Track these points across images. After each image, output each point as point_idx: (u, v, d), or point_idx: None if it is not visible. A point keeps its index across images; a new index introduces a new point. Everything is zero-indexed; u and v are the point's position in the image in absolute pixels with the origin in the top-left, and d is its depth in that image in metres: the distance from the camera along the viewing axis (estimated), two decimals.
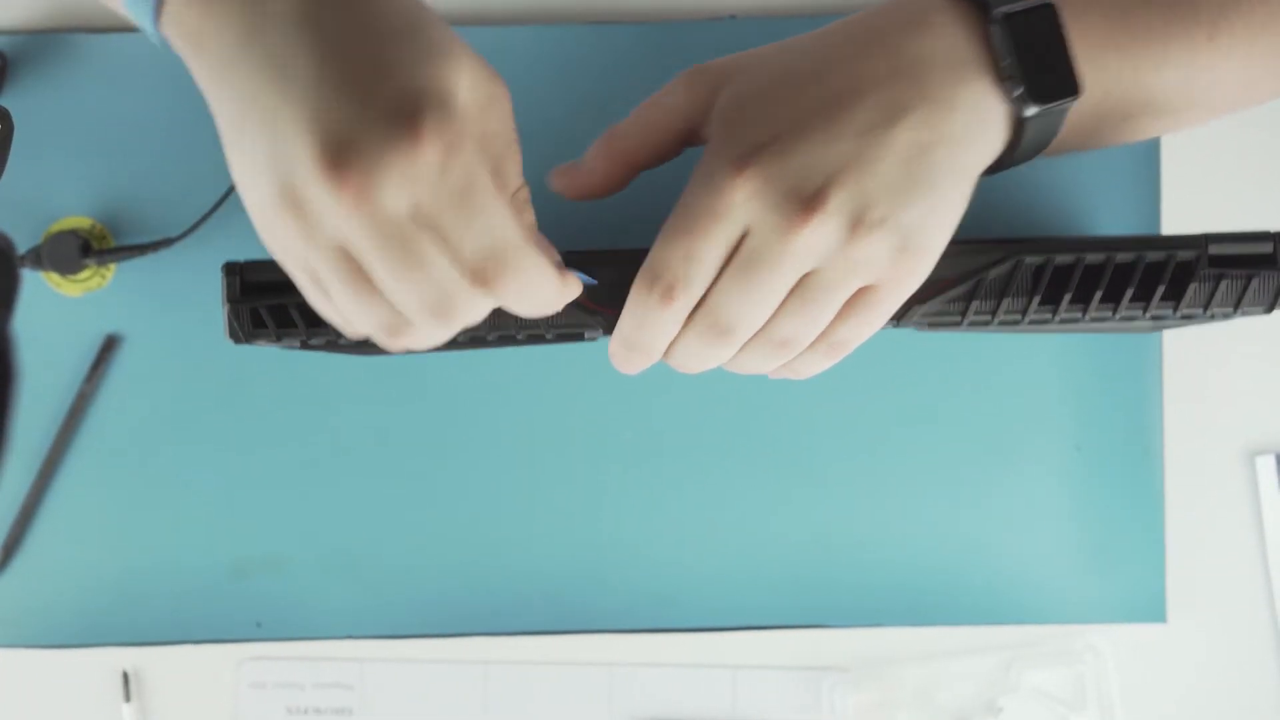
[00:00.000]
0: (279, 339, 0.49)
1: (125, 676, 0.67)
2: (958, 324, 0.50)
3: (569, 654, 0.68)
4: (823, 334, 0.47)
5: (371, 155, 0.38)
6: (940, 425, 0.67)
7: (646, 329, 0.46)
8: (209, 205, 0.66)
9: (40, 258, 0.65)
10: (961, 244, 0.50)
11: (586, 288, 0.48)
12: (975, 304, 0.49)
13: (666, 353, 0.48)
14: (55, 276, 0.66)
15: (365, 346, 0.51)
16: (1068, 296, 0.49)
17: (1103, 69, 0.45)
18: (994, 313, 0.50)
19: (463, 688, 0.68)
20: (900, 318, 0.50)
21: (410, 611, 0.67)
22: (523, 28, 0.67)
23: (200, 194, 0.66)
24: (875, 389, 0.67)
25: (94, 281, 0.67)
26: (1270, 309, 0.49)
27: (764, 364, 0.48)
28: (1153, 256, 0.48)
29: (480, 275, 0.41)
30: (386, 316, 0.43)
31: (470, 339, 0.49)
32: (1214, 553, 0.67)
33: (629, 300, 0.46)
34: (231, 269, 0.49)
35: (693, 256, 0.44)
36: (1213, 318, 0.50)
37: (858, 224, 0.43)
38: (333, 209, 0.39)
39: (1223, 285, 0.48)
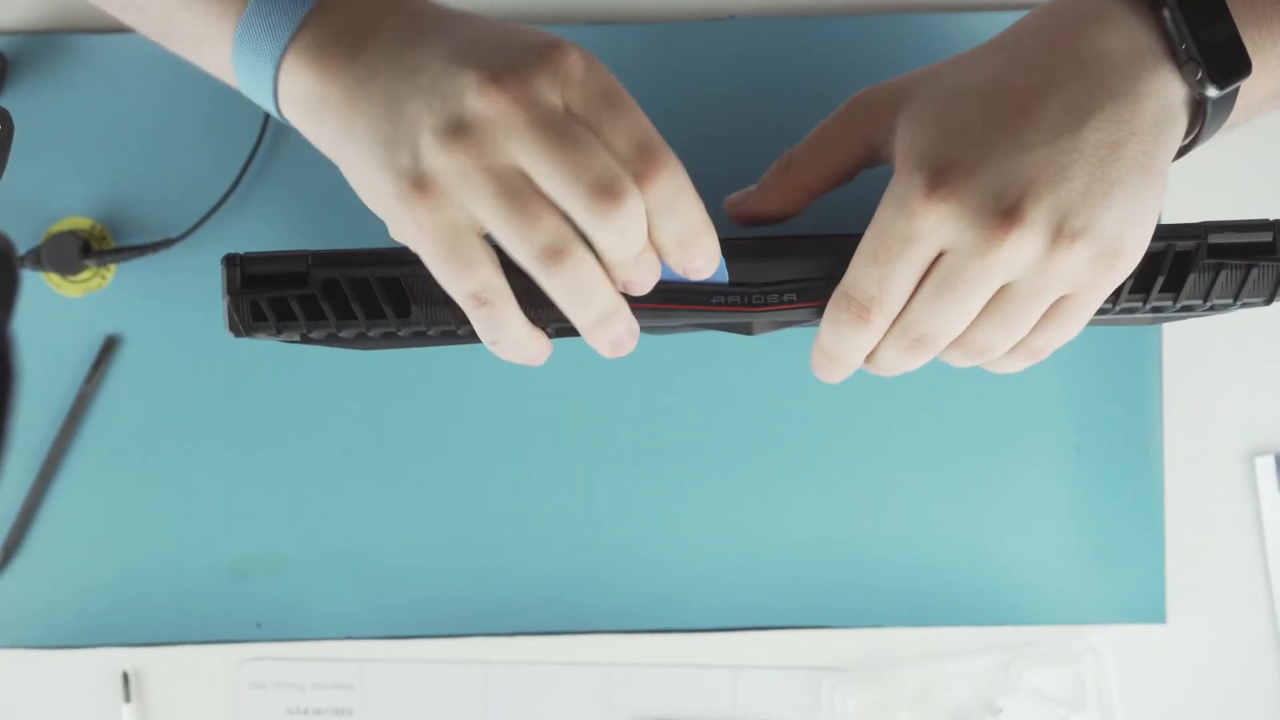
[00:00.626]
0: (279, 332, 0.49)
1: (125, 677, 0.67)
2: None
3: (569, 654, 0.68)
4: (1021, 341, 0.48)
5: (524, 69, 0.42)
6: (940, 425, 0.67)
7: (844, 344, 0.47)
8: (209, 205, 0.66)
9: (40, 258, 0.65)
10: None
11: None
12: None
13: (867, 362, 0.49)
14: (55, 277, 0.66)
15: (366, 341, 0.51)
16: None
17: (1263, 44, 0.46)
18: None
19: (463, 688, 0.68)
20: None
21: (410, 612, 0.67)
22: None
23: (200, 194, 0.66)
24: (875, 389, 0.67)
25: (94, 282, 0.67)
26: (1270, 300, 0.49)
27: (962, 363, 0.49)
28: (1152, 247, 0.48)
29: (637, 165, 0.42)
30: (552, 233, 0.43)
31: (469, 332, 0.49)
32: (1214, 553, 0.67)
33: (826, 316, 0.47)
34: (231, 261, 0.49)
35: (888, 279, 0.45)
36: (1212, 309, 0.50)
37: (1058, 235, 0.43)
38: (498, 118, 0.42)
39: (1222, 275, 0.48)
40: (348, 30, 0.45)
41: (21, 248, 0.66)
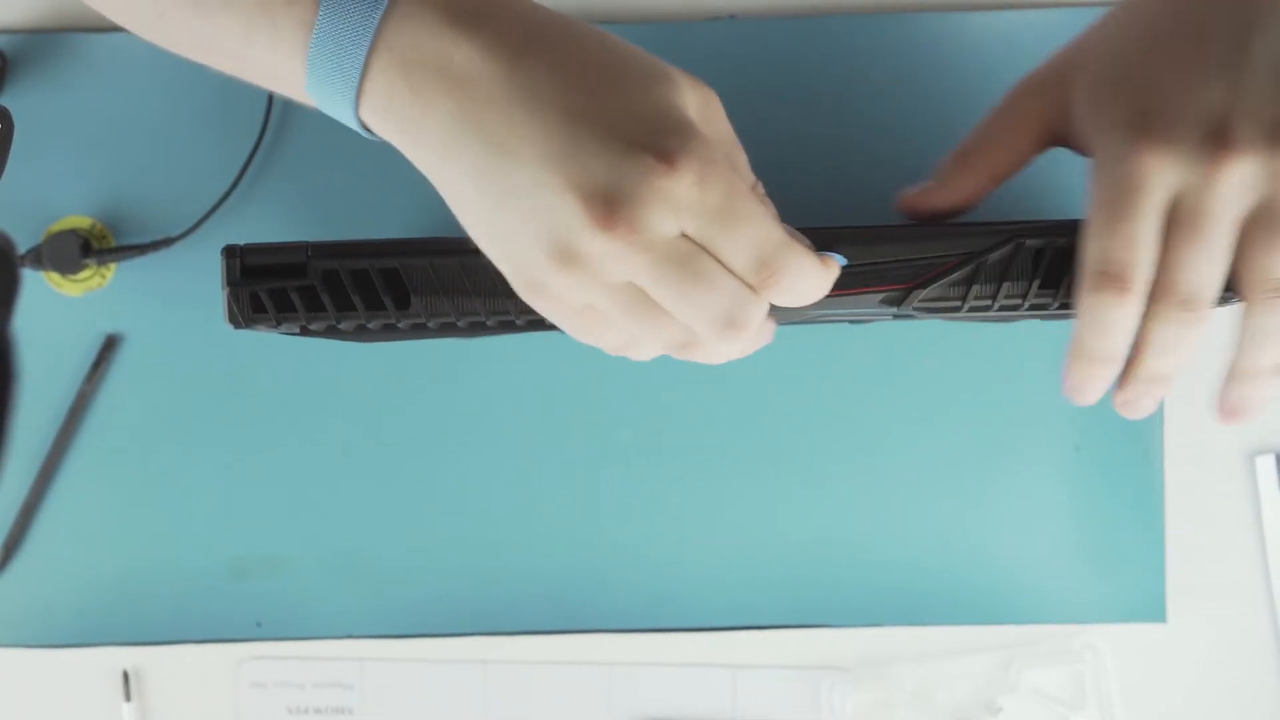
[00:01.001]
0: (278, 323, 0.49)
1: (125, 676, 0.67)
2: (958, 309, 0.50)
3: (569, 654, 0.68)
4: None
5: (635, 195, 0.40)
6: (940, 425, 0.67)
7: (1108, 331, 0.47)
8: (209, 205, 0.66)
9: (40, 257, 0.65)
10: (961, 227, 0.50)
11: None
12: (976, 288, 0.49)
13: (1138, 356, 0.48)
14: (55, 276, 0.66)
15: (365, 333, 0.51)
16: (1068, 280, 0.49)
17: None
18: (994, 297, 0.50)
19: (463, 687, 0.68)
20: (900, 302, 0.49)
21: (410, 611, 0.67)
22: None
23: (200, 194, 0.66)
24: (875, 389, 0.67)
25: (94, 281, 0.67)
26: None
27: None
28: None
29: (758, 279, 0.42)
30: (677, 335, 0.44)
31: (470, 324, 0.49)
32: (1214, 553, 0.67)
33: (1082, 310, 0.47)
34: (231, 252, 0.49)
35: (1134, 238, 0.45)
36: (1219, 301, 0.50)
37: (1273, 141, 0.44)
38: (610, 254, 0.40)
39: None
40: (417, 68, 0.41)
41: (22, 246, 0.66)
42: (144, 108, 0.67)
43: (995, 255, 0.49)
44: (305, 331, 0.50)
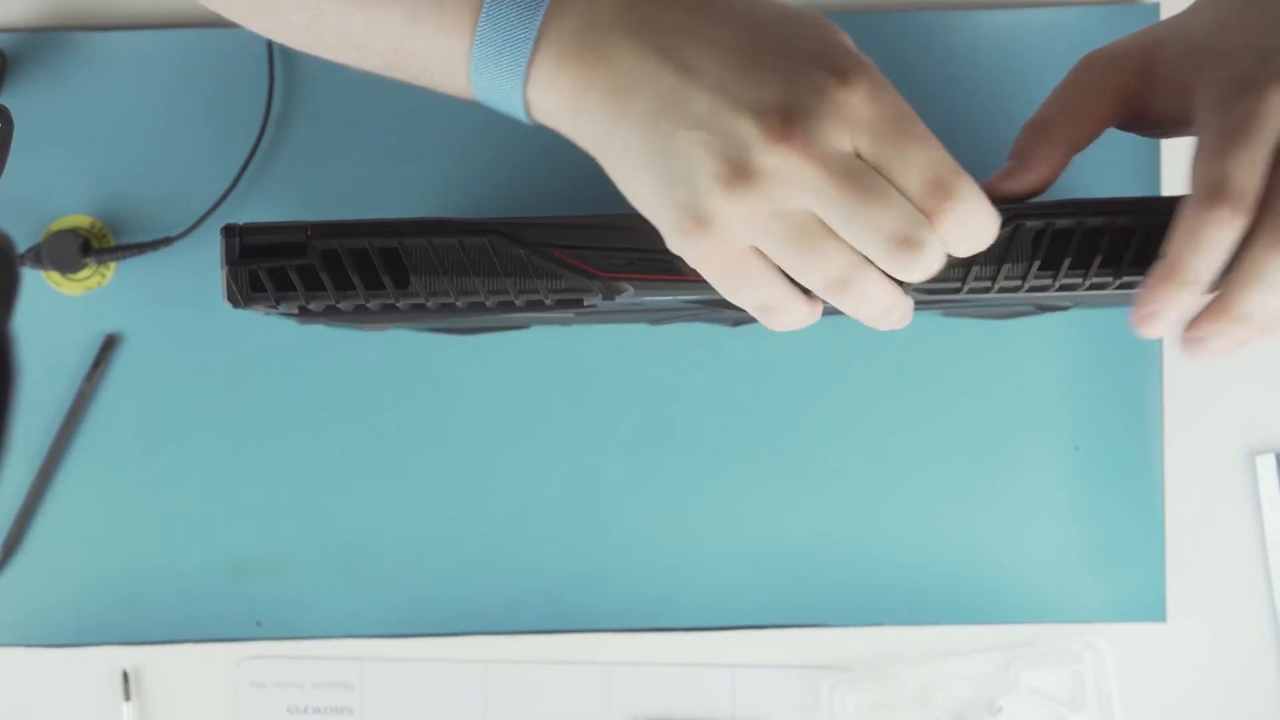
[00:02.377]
0: (277, 303, 0.49)
1: (125, 676, 0.67)
2: (958, 290, 0.50)
3: (569, 653, 0.68)
4: None
5: (810, 109, 0.40)
6: (940, 425, 0.67)
7: (1210, 251, 0.45)
8: (209, 203, 0.66)
9: (40, 256, 0.65)
10: None
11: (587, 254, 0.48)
12: (975, 269, 0.49)
13: (1235, 289, 0.46)
14: (55, 275, 0.66)
15: (364, 314, 0.51)
16: (1067, 261, 0.49)
17: None
18: (994, 278, 0.49)
19: (462, 687, 0.68)
20: (900, 283, 0.49)
21: (410, 610, 0.67)
22: None
23: (200, 192, 0.66)
24: (875, 389, 0.67)
25: (94, 280, 0.67)
26: None
27: None
28: (1153, 219, 0.48)
29: (932, 202, 0.42)
30: (839, 267, 0.43)
31: (469, 304, 0.49)
32: (1214, 552, 0.67)
33: (1183, 234, 0.45)
34: (230, 231, 0.48)
35: (1254, 162, 0.44)
36: (1213, 285, 0.50)
37: None
38: (785, 169, 0.40)
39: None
40: (592, 29, 0.42)
41: (21, 246, 0.66)
42: (144, 108, 0.67)
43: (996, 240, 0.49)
44: (304, 312, 0.50)
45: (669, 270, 0.48)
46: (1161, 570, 0.67)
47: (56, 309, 0.67)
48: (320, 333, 0.67)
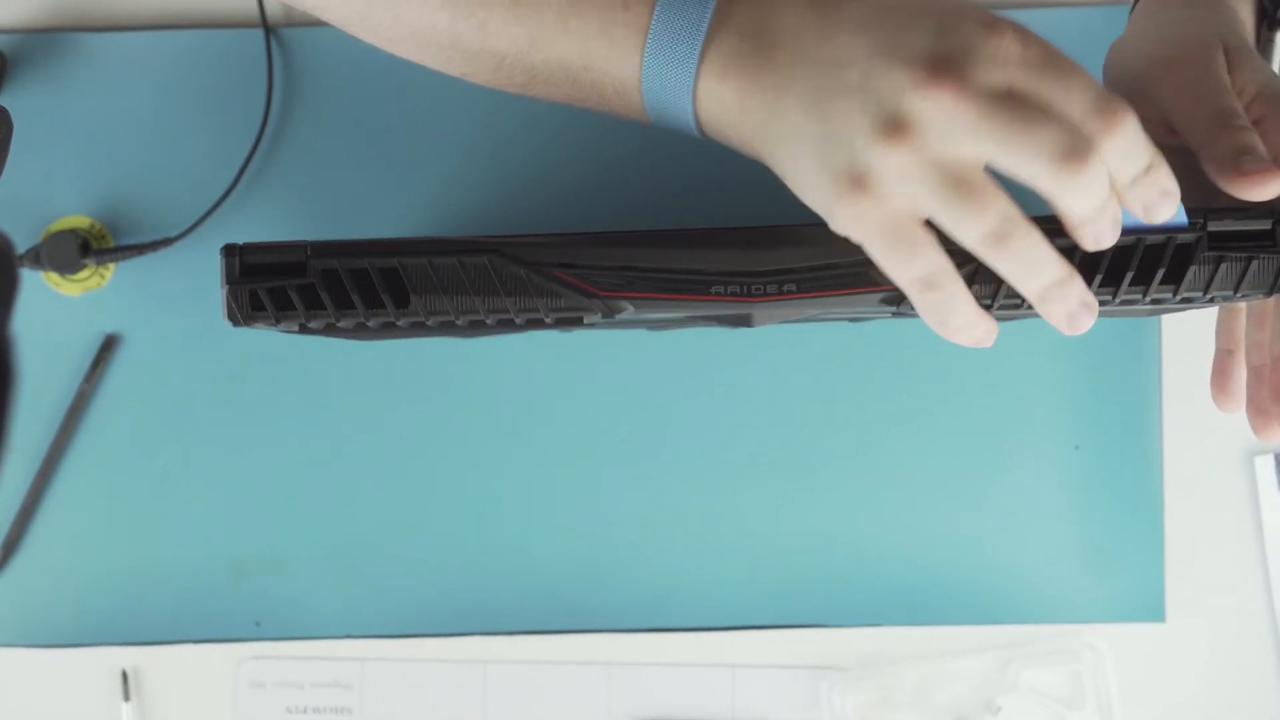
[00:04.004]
0: (277, 322, 0.49)
1: (125, 676, 0.67)
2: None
3: (568, 653, 0.68)
4: None
5: (961, 52, 0.41)
6: (939, 425, 0.67)
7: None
8: (208, 204, 0.66)
9: (40, 257, 0.65)
10: None
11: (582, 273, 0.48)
12: (976, 288, 0.49)
13: None
14: (55, 276, 0.66)
15: (364, 331, 0.51)
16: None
17: None
18: (994, 297, 0.49)
19: (462, 687, 0.68)
20: (900, 301, 0.49)
21: (409, 611, 0.67)
22: None
23: (199, 193, 0.66)
24: (875, 389, 0.67)
25: (93, 281, 0.67)
26: (1270, 292, 0.49)
27: None
28: (1152, 239, 0.48)
29: (1097, 123, 0.42)
30: (996, 217, 0.43)
31: (469, 322, 0.49)
32: (1213, 553, 0.67)
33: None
34: (230, 250, 0.49)
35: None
36: (1213, 301, 0.50)
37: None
38: (941, 112, 0.41)
39: (1223, 268, 0.48)
40: (750, 36, 0.44)
41: (21, 246, 0.66)
42: (144, 108, 0.67)
43: None
44: (304, 330, 0.50)
45: (669, 289, 0.48)
46: (1161, 570, 0.67)
47: (56, 309, 0.67)
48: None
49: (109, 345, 0.67)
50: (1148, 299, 0.49)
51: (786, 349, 0.67)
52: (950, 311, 0.45)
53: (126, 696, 0.67)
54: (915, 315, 0.51)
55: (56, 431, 0.67)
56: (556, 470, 0.67)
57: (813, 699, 0.67)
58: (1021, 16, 0.67)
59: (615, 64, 0.46)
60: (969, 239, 0.43)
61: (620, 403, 0.67)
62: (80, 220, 0.67)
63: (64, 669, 0.67)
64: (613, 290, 0.48)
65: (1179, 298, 0.49)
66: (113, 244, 0.67)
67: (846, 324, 0.66)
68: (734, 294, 0.49)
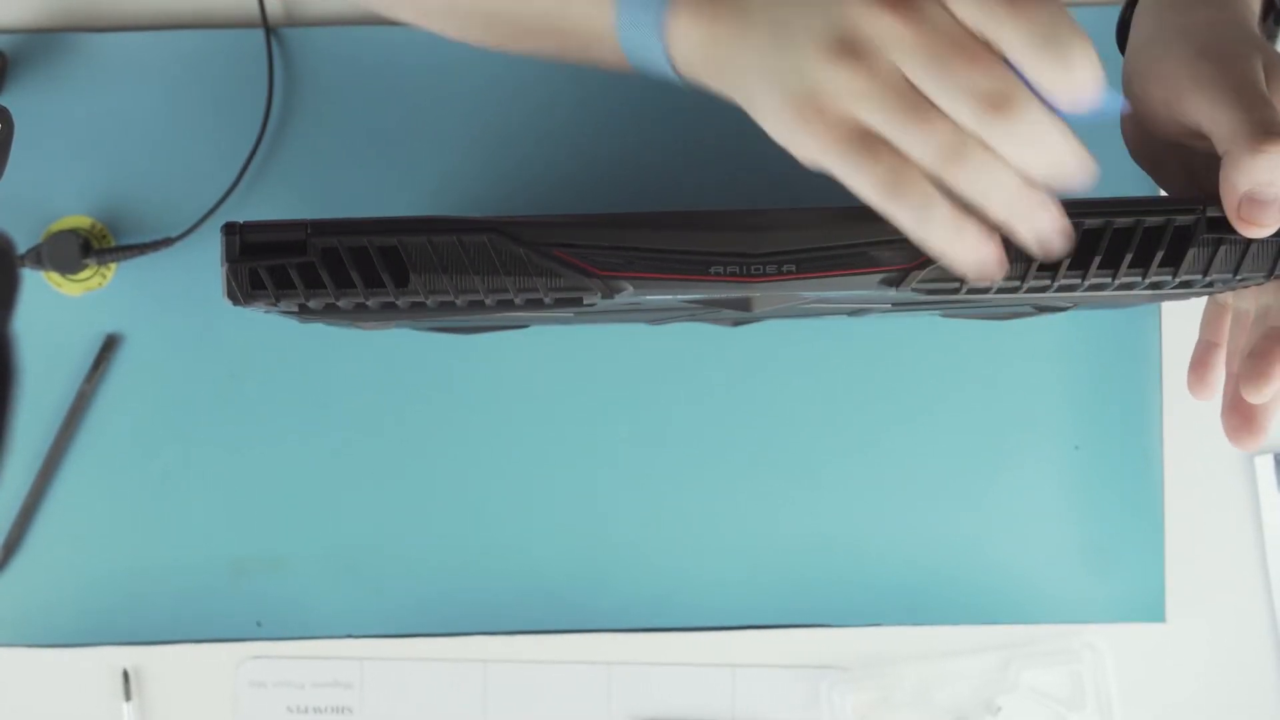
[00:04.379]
0: (277, 300, 0.49)
1: (125, 675, 0.67)
2: (956, 291, 0.50)
3: (568, 653, 0.68)
4: None
5: None
6: (939, 425, 0.67)
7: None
8: (209, 204, 0.66)
9: (41, 257, 0.65)
10: None
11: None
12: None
13: None
14: (55, 276, 0.66)
15: (364, 312, 0.51)
16: (1066, 262, 0.49)
17: None
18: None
19: (462, 686, 0.68)
20: (899, 283, 0.49)
21: (410, 610, 0.67)
22: None
23: (200, 193, 0.66)
24: (875, 389, 0.67)
25: (94, 281, 0.67)
26: (1269, 275, 0.49)
27: None
28: (1151, 221, 0.47)
29: (1042, 56, 0.42)
30: (946, 135, 0.43)
31: (468, 303, 0.49)
32: (1213, 552, 0.67)
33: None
34: (231, 229, 0.49)
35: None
36: (1211, 285, 0.50)
37: None
38: (889, 33, 0.43)
39: (1221, 250, 0.48)
40: None
41: (22, 246, 0.66)
42: (144, 108, 0.67)
43: None
44: (304, 310, 0.50)
45: (668, 269, 0.48)
46: (1161, 570, 0.67)
47: (56, 309, 0.67)
48: (320, 333, 0.67)
49: (110, 345, 0.67)
50: (1146, 282, 0.49)
51: (787, 349, 0.67)
52: (930, 220, 0.44)
53: (127, 696, 0.67)
54: (915, 305, 0.51)
55: (57, 431, 0.67)
56: (556, 470, 0.67)
57: (813, 699, 0.67)
58: None
59: (592, 12, 0.48)
60: (924, 157, 0.43)
61: (620, 403, 0.67)
62: (81, 220, 0.67)
63: (65, 669, 0.67)
64: (612, 270, 0.48)
65: (1178, 280, 0.49)
66: (114, 244, 0.67)
67: (847, 324, 0.66)
68: (733, 274, 0.49)
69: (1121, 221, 0.48)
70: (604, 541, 0.67)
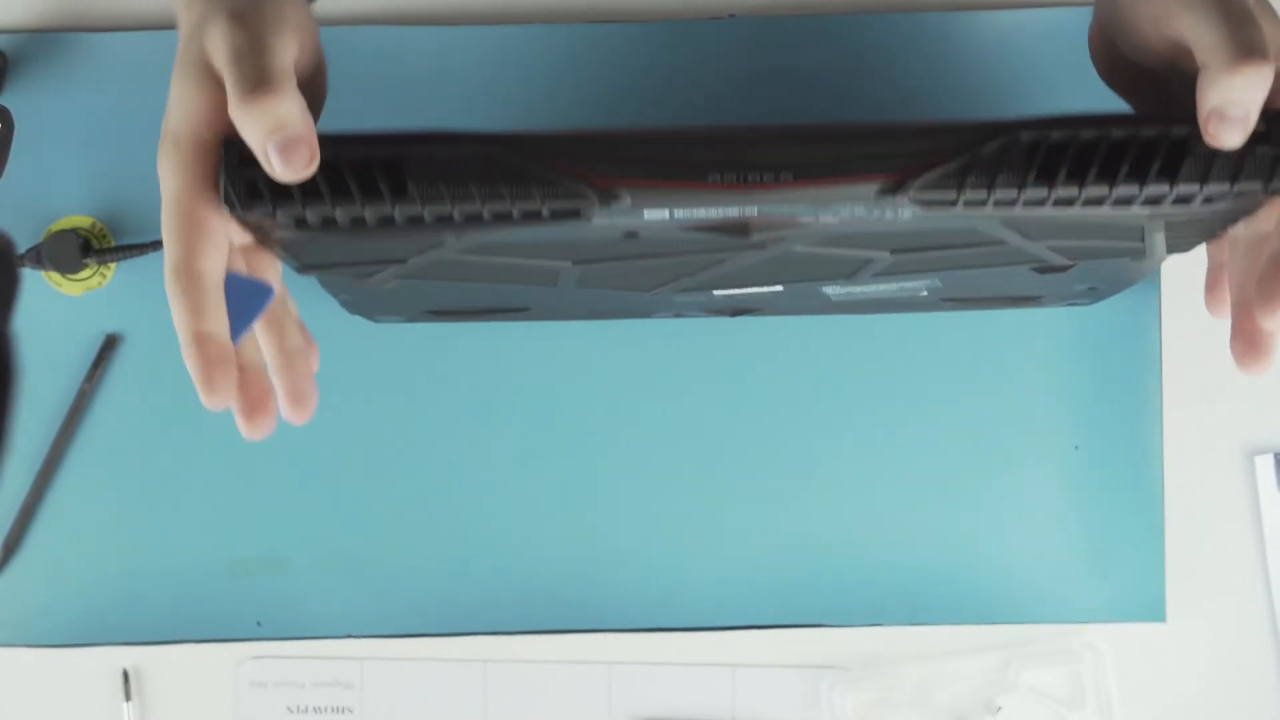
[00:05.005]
0: (274, 211, 0.49)
1: (125, 675, 0.67)
2: (953, 203, 0.49)
3: (568, 653, 0.68)
4: None
5: None
6: (939, 424, 0.67)
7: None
8: None
9: (40, 257, 0.65)
10: (950, 123, 0.49)
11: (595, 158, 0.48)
12: (970, 178, 0.49)
13: None
14: (55, 276, 0.66)
15: (363, 230, 0.50)
16: (1063, 172, 0.49)
17: None
18: (990, 188, 0.49)
19: (462, 687, 0.68)
20: (897, 191, 0.49)
21: (410, 610, 0.67)
22: (523, 27, 0.67)
23: None
24: (875, 388, 0.67)
25: (94, 280, 0.67)
26: (1267, 184, 0.49)
27: None
28: (1147, 133, 0.48)
29: None
30: None
31: (465, 216, 0.48)
32: (1213, 552, 0.67)
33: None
34: (232, 143, 0.49)
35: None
36: (1210, 201, 0.49)
37: None
38: None
39: (1218, 160, 0.48)
40: None
41: (22, 246, 0.66)
42: (144, 108, 0.67)
43: (990, 147, 0.49)
44: (300, 228, 0.49)
45: (666, 175, 0.48)
46: (1161, 570, 0.67)
47: (56, 309, 0.67)
48: (319, 332, 0.67)
49: (110, 345, 0.67)
50: (1143, 195, 0.49)
51: (787, 348, 0.67)
52: None
53: (128, 696, 0.67)
54: (910, 205, 0.50)
55: (57, 431, 0.67)
56: (556, 470, 0.67)
57: (813, 699, 0.67)
58: (1020, 16, 0.67)
59: None
60: None
61: (620, 403, 0.67)
62: (81, 220, 0.67)
63: (65, 669, 0.67)
64: (610, 179, 0.48)
65: (1175, 193, 0.49)
66: (114, 243, 0.67)
67: (847, 323, 0.67)
68: (731, 181, 0.48)
69: (1118, 133, 0.48)
70: (604, 541, 0.67)
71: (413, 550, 0.67)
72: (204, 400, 0.48)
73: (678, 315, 0.66)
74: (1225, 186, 0.48)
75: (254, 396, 0.52)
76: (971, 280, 0.58)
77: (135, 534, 0.67)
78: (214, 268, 0.49)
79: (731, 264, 0.54)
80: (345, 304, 0.62)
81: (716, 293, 0.59)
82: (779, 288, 0.58)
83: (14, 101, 0.67)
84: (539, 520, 0.67)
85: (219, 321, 0.48)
